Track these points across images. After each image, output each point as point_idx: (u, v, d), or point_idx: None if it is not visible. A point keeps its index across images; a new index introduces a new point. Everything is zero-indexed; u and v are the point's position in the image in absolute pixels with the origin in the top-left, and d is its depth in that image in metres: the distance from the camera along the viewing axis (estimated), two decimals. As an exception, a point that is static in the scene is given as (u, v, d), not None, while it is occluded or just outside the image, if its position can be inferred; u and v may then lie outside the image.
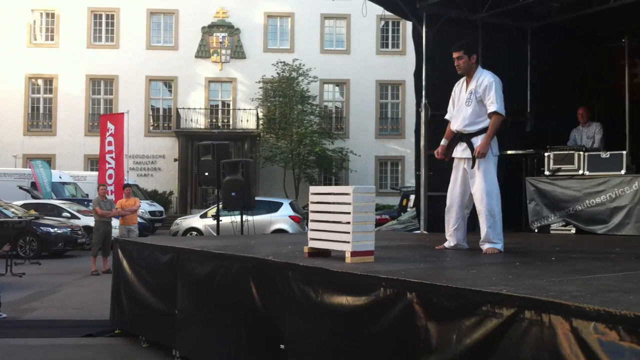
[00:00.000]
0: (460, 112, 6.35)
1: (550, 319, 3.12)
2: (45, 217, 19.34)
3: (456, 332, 3.59)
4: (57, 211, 20.80)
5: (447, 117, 6.60)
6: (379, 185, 35.70)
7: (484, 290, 3.56)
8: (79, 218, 20.34)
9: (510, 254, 6.11)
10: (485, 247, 6.12)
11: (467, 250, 6.39)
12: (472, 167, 6.19)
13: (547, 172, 9.67)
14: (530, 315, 3.23)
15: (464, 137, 6.30)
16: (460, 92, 6.40)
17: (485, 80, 6.14)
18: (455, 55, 6.28)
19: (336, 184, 34.50)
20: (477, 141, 6.16)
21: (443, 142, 6.51)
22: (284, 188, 32.93)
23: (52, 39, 35.98)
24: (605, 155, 9.28)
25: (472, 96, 6.20)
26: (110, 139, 20.93)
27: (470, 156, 6.19)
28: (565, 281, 4.00)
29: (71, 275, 14.03)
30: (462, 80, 6.42)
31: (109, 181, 20.13)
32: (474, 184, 6.20)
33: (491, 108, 6.09)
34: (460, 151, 6.35)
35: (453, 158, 6.45)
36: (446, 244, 6.50)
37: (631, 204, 8.81)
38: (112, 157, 20.94)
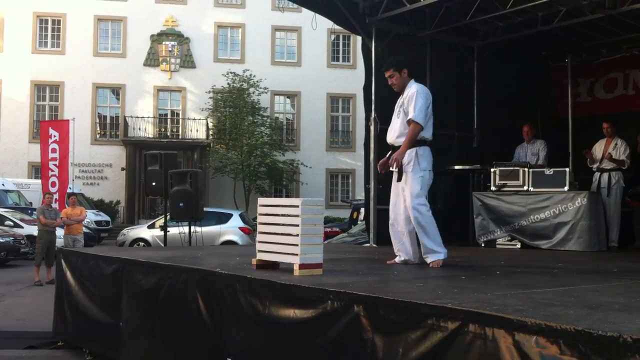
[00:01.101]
0: (392, 125, 6.39)
1: (493, 332, 3.18)
2: (-13, 225, 18.84)
3: (402, 345, 3.62)
4: (-1, 219, 20.29)
5: None
6: (329, 197, 35.81)
7: (429, 303, 3.60)
8: (22, 227, 19.86)
9: (457, 267, 6.18)
10: (429, 260, 6.14)
11: (415, 264, 6.37)
12: (399, 180, 6.22)
13: (493, 188, 9.84)
14: (474, 328, 3.28)
15: (395, 149, 6.31)
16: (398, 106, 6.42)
17: (411, 91, 6.14)
18: (387, 74, 6.26)
19: (287, 196, 34.46)
20: (405, 154, 6.16)
21: (388, 154, 6.49)
22: (234, 199, 32.77)
23: (-4, 44, 35.22)
24: (549, 172, 9.50)
25: (401, 109, 6.23)
26: (55, 146, 20.54)
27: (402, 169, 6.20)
28: (509, 295, 4.08)
29: (13, 285, 13.68)
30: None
31: (52, 189, 19.74)
32: (405, 198, 6.19)
33: (409, 115, 6.10)
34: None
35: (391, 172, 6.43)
36: (397, 259, 6.43)
37: (574, 219, 9.03)
38: (55, 165, 20.55)
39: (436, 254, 6.10)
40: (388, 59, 6.41)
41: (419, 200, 6.11)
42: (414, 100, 6.08)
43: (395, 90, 6.37)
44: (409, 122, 6.11)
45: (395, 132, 6.33)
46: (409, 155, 6.16)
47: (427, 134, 6.24)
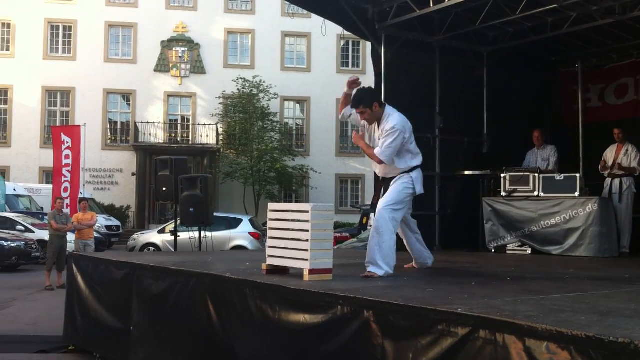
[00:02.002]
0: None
1: (504, 338, 3.17)
2: (-2, 230, 18.94)
3: (412, 351, 3.62)
4: (10, 224, 20.37)
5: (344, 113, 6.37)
6: (339, 203, 35.79)
7: (439, 309, 3.60)
8: (33, 232, 19.94)
9: (467, 273, 6.18)
10: (367, 269, 5.72)
11: (425, 269, 6.46)
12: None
13: (503, 193, 9.81)
14: (484, 334, 3.27)
15: (386, 181, 6.21)
16: (372, 132, 6.20)
17: (388, 126, 5.95)
18: (357, 111, 6.08)
19: (297, 201, 34.50)
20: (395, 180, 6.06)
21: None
22: (244, 204, 32.80)
23: (7, 49, 35.39)
24: (559, 177, 9.47)
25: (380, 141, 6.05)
26: (68, 152, 20.69)
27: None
28: (519, 301, 4.07)
29: (24, 289, 13.74)
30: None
31: (64, 194, 19.87)
32: (382, 200, 6.02)
33: (376, 150, 5.96)
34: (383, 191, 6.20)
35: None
36: (413, 263, 6.57)
37: (585, 225, 8.98)
38: (68, 170, 20.69)
39: (377, 268, 5.68)
40: (355, 96, 6.13)
41: (392, 210, 5.89)
42: (385, 135, 5.93)
43: (369, 124, 6.18)
44: (376, 152, 5.97)
45: (383, 168, 6.15)
46: (403, 176, 6.06)
47: (417, 161, 6.12)
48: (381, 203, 5.98)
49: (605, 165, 9.78)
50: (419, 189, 6.11)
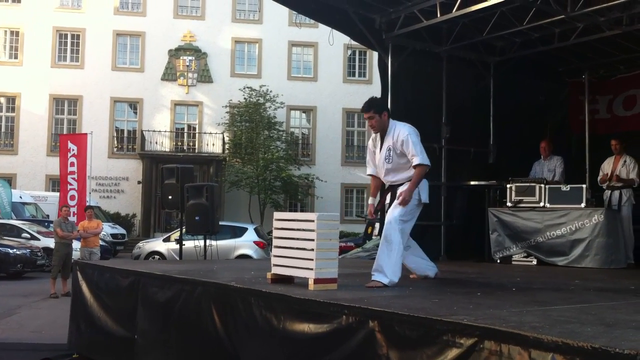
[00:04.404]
0: (382, 170, 6.19)
1: (509, 349, 3.16)
2: (4, 237, 18.97)
3: (417, 361, 3.61)
4: (16, 231, 20.41)
5: (369, 172, 6.35)
6: (344, 212, 35.77)
7: (445, 319, 3.59)
8: (38, 239, 19.98)
9: (472, 283, 6.15)
10: (373, 277, 5.69)
11: (430, 279, 6.43)
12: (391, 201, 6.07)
13: (509, 204, 9.79)
14: (490, 345, 3.26)
15: (392, 188, 6.19)
16: (375, 148, 6.21)
17: (401, 135, 5.94)
18: (365, 115, 6.08)
19: (302, 210, 34.49)
20: (403, 187, 6.00)
21: (371, 200, 6.33)
22: (249, 213, 32.81)
23: (16, 57, 35.56)
24: (565, 188, 9.45)
25: (392, 152, 6.03)
26: (73, 159, 20.76)
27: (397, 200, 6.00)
28: (525, 312, 4.05)
29: (29, 297, 13.76)
30: (376, 136, 6.22)
31: (71, 202, 19.94)
32: (389, 211, 5.98)
33: (414, 161, 5.92)
34: (389, 198, 6.21)
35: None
36: (417, 274, 6.53)
37: (591, 236, 8.95)
38: (74, 178, 20.77)
39: (383, 276, 5.63)
40: (367, 101, 6.11)
41: (401, 222, 5.86)
42: (410, 144, 5.90)
43: (374, 132, 6.17)
44: (416, 166, 5.92)
45: (389, 176, 6.15)
46: (408, 184, 6.00)
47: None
48: (390, 215, 5.95)
49: (605, 177, 9.75)
50: (424, 198, 6.06)
